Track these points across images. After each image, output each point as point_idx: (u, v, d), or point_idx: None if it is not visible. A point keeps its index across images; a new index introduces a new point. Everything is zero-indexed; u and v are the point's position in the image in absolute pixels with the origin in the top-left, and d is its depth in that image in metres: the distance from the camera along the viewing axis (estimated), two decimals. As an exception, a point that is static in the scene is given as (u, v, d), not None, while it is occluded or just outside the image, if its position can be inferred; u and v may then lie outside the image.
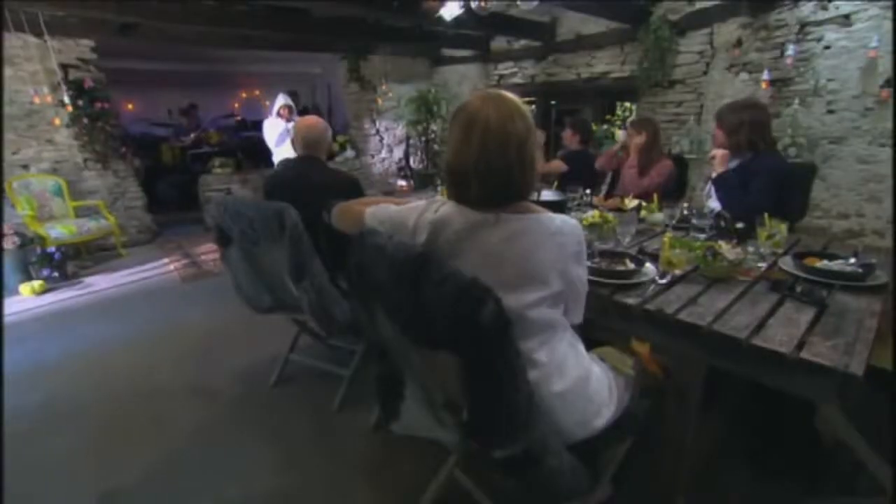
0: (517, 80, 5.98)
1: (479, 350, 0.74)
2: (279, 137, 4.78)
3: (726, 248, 1.41)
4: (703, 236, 1.89)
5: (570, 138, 3.31)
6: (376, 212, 1.16)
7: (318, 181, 2.00)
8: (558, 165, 3.27)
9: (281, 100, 4.75)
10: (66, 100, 4.23)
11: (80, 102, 4.36)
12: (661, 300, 1.29)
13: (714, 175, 2.04)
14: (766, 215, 1.60)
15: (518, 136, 0.96)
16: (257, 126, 8.39)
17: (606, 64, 4.98)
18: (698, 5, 4.07)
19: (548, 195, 2.34)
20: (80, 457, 1.82)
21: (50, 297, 3.54)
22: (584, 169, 3.22)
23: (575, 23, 5.10)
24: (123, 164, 4.87)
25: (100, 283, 3.85)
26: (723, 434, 1.72)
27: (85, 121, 4.41)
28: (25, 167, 4.34)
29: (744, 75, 3.83)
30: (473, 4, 2.78)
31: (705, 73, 4.20)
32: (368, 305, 1.05)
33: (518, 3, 2.77)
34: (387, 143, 6.83)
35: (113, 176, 4.80)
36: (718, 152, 2.02)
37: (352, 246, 1.01)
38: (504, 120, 0.95)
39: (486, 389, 0.77)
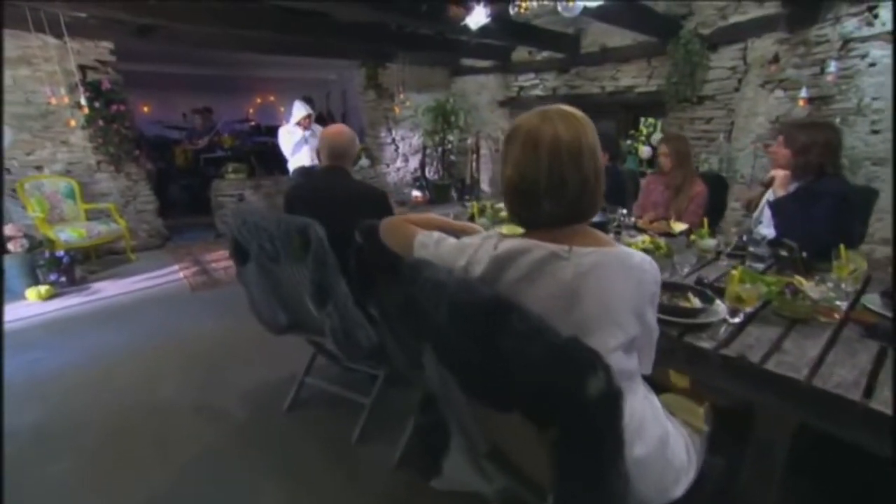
0: (538, 92, 5.87)
1: (578, 425, 0.59)
2: (296, 146, 4.68)
3: (808, 286, 1.25)
4: (761, 266, 1.73)
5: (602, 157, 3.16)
6: (426, 242, 1.04)
7: (345, 195, 1.87)
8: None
9: (302, 109, 4.66)
10: (83, 101, 4.16)
11: (97, 104, 4.29)
12: (738, 344, 1.13)
13: (773, 198, 1.88)
14: (842, 246, 1.44)
15: (590, 146, 0.87)
16: (271, 131, 8.40)
17: (632, 78, 4.85)
18: (732, 20, 3.94)
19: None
20: (76, 484, 1.67)
21: (56, 303, 3.43)
22: (613, 186, 3.07)
23: (600, 35, 4.99)
24: (136, 166, 4.79)
25: (107, 290, 3.74)
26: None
27: (100, 122, 4.34)
28: (39, 168, 4.27)
29: (779, 92, 3.68)
30: (512, 10, 2.64)
31: (737, 89, 4.05)
32: (414, 346, 0.90)
33: (559, 9, 2.64)
34: (402, 153, 6.73)
35: (125, 179, 4.72)
36: (780, 173, 1.86)
37: (401, 274, 0.87)
38: (575, 131, 0.86)
39: (581, 471, 0.62)
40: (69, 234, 3.92)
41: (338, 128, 1.97)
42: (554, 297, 0.82)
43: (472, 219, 2.56)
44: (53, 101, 4.03)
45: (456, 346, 0.74)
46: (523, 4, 2.60)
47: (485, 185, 6.67)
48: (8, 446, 1.83)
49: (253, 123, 8.16)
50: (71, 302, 3.47)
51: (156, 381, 2.37)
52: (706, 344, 1.13)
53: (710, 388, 1.15)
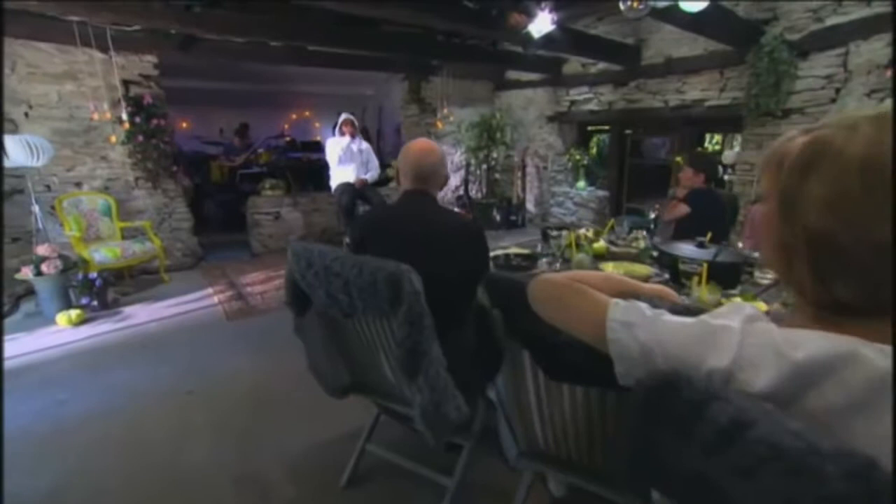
0: (592, 106, 5.55)
1: None
2: (343, 153, 4.51)
3: None
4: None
5: (690, 177, 2.79)
6: (631, 318, 0.65)
7: (436, 230, 1.51)
8: (682, 209, 2.75)
9: (343, 115, 4.51)
10: (124, 116, 4.08)
11: (138, 119, 4.21)
12: None
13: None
14: None
15: None
16: (307, 147, 8.36)
17: (701, 91, 4.47)
18: (829, 22, 3.54)
19: (695, 251, 1.83)
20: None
21: (86, 330, 3.26)
22: (711, 214, 2.69)
23: (664, 45, 4.64)
24: (173, 183, 4.68)
25: (139, 315, 3.55)
26: None
27: (140, 138, 4.25)
28: (78, 185, 4.19)
29: (890, 101, 3.23)
30: (623, 5, 2.34)
31: (834, 100, 3.62)
32: None
33: (622, 8, 2.33)
34: (443, 170, 6.48)
35: (162, 195, 4.61)
36: None
37: (643, 402, 0.54)
38: None
39: None
40: (104, 254, 3.78)
41: (423, 143, 1.63)
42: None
43: (563, 253, 2.23)
44: (96, 116, 3.96)
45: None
46: (634, 4, 2.29)
47: (530, 206, 6.33)
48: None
49: (288, 139, 8.11)
50: (101, 329, 3.28)
51: (187, 436, 2.09)
52: None
53: None
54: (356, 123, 4.63)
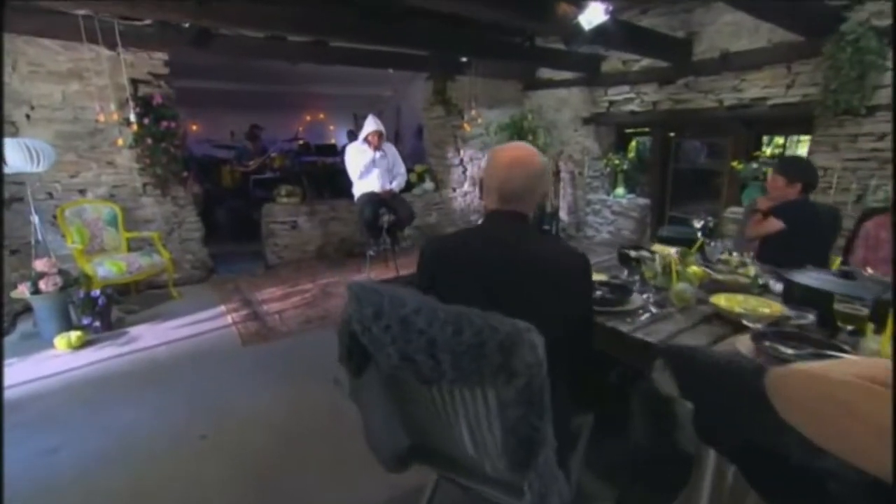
0: (633, 107, 5.21)
1: None
2: (365, 168, 4.22)
3: None
4: None
5: (782, 187, 2.44)
6: None
7: (530, 264, 1.18)
8: (774, 224, 2.40)
9: (372, 124, 4.20)
10: (132, 117, 3.83)
11: (146, 121, 3.96)
12: None
13: None
14: None
15: None
16: (322, 150, 8.12)
17: (763, 88, 4.11)
18: (925, 8, 3.17)
19: (847, 284, 1.49)
20: None
21: (87, 355, 2.99)
22: (809, 229, 2.34)
23: (720, 38, 4.30)
24: (184, 190, 4.43)
25: (145, 337, 3.28)
26: None
27: (149, 141, 4.01)
28: (82, 192, 3.95)
29: None
30: None
31: (928, 97, 3.25)
32: None
33: None
34: (470, 175, 6.18)
35: (171, 203, 4.36)
36: None
37: None
38: None
39: None
40: (108, 269, 3.52)
41: (517, 149, 1.28)
42: None
43: (642, 279, 1.90)
44: (102, 117, 3.71)
45: None
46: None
47: (563, 214, 6.00)
48: None
49: (302, 142, 7.87)
50: (103, 354, 3.01)
51: (201, 493, 1.79)
52: None
53: None
54: (384, 134, 4.32)
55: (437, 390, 1.06)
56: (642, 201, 5.46)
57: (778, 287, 1.82)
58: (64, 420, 2.28)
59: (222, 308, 3.86)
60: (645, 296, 1.81)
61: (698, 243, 2.20)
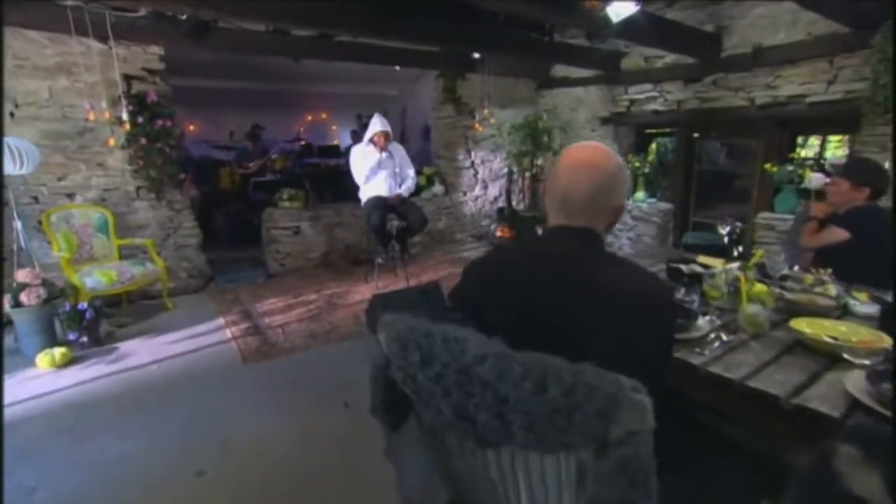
0: (656, 106, 5.01)
1: None
2: (371, 171, 4.01)
3: None
4: None
5: (846, 191, 2.22)
6: None
7: (604, 296, 0.96)
8: (838, 234, 2.19)
9: (378, 124, 4.00)
10: (125, 116, 3.63)
11: (140, 120, 3.76)
12: None
13: None
14: None
15: None
16: (324, 152, 7.93)
17: (801, 84, 3.91)
18: None
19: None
20: None
21: (71, 374, 2.77)
22: (876, 238, 2.12)
23: (753, 32, 4.10)
24: (180, 193, 4.23)
25: (137, 354, 3.06)
26: None
27: (142, 141, 3.81)
28: (70, 196, 3.75)
29: None
30: None
31: None
32: None
33: None
34: (482, 178, 5.98)
35: (166, 208, 4.15)
36: None
37: None
38: None
39: None
40: (97, 279, 3.31)
41: (589, 150, 1.04)
42: None
43: (703, 298, 1.68)
44: (92, 116, 3.52)
45: None
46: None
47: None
48: None
49: (303, 143, 7.68)
50: (90, 373, 2.79)
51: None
52: None
53: None
54: (391, 135, 4.12)
55: (496, 452, 0.85)
56: (664, 206, 5.25)
57: (864, 309, 1.61)
58: (43, 453, 2.07)
59: (221, 321, 3.64)
60: (708, 318, 1.60)
61: (757, 256, 1.98)
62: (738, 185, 5.03)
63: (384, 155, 4.02)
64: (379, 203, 3.97)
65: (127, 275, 3.50)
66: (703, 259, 2.10)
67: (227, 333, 3.41)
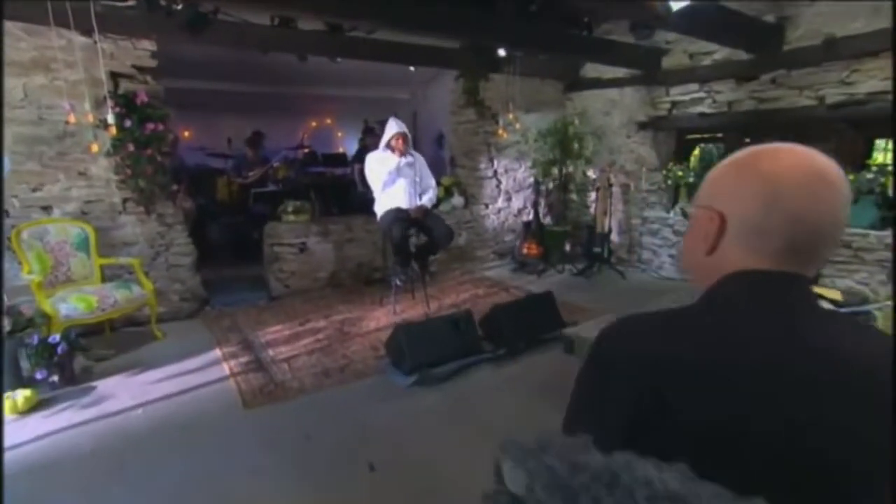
0: (703, 108, 4.67)
1: None
2: (389, 178, 3.67)
3: None
4: None
5: None
6: None
7: (864, 381, 0.58)
8: None
9: (395, 126, 3.67)
10: (111, 119, 3.28)
11: (128, 123, 3.43)
12: None
13: None
14: None
15: None
16: (330, 160, 7.61)
17: (883, 80, 3.55)
18: None
19: None
20: None
21: (36, 424, 2.40)
22: None
23: (823, 21, 3.76)
24: (172, 206, 3.88)
25: (118, 396, 2.69)
26: None
27: (130, 147, 3.47)
28: (47, 209, 3.40)
29: None
30: None
31: None
32: None
33: None
34: (505, 189, 5.62)
35: (157, 223, 3.80)
36: None
37: None
38: None
39: None
40: (73, 306, 2.94)
41: (816, 158, 0.64)
42: None
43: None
44: (73, 118, 3.16)
45: None
46: None
47: (614, 235, 5.40)
48: None
49: (307, 150, 7.36)
50: (58, 422, 2.41)
51: None
52: None
53: None
54: (409, 137, 3.80)
55: None
56: (712, 219, 4.86)
57: None
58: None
59: (217, 352, 3.26)
60: None
61: None
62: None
63: (403, 161, 3.67)
64: (399, 215, 3.61)
65: (109, 300, 3.12)
66: (819, 290, 1.72)
67: (225, 369, 3.02)
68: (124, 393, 2.73)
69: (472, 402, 2.69)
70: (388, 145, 3.73)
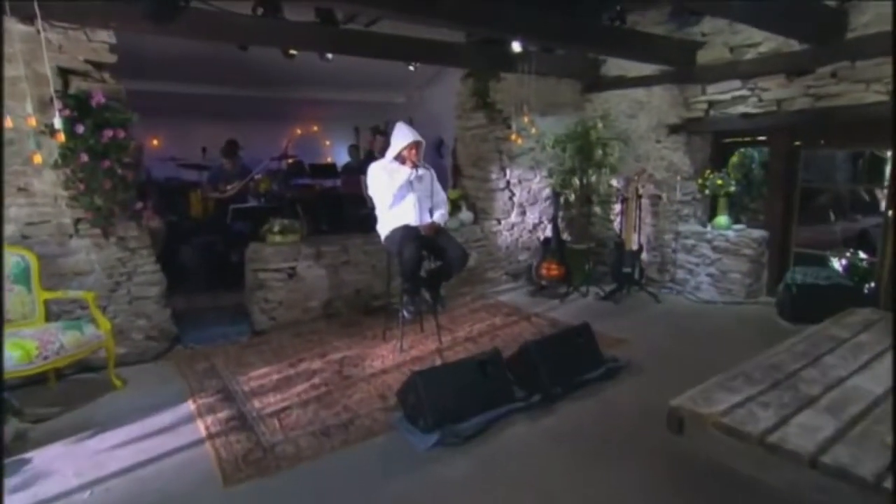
0: (746, 108, 4.36)
1: None
2: (399, 192, 3.27)
3: None
4: None
5: None
6: None
7: None
8: None
9: (408, 134, 3.33)
10: (58, 123, 2.84)
11: (81, 129, 3.01)
12: None
13: None
14: None
15: None
16: (318, 171, 7.19)
17: (964, 74, 3.26)
18: None
19: None
20: None
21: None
22: None
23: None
24: (137, 227, 3.44)
25: (59, 473, 2.22)
26: None
27: (84, 158, 3.04)
28: (-22, 233, 2.94)
29: None
30: None
31: None
32: None
33: None
34: (518, 202, 5.24)
35: (118, 247, 3.37)
36: None
37: None
38: None
39: None
40: (6, 355, 2.47)
41: None
42: None
43: None
44: (10, 123, 2.74)
45: None
46: None
47: (643, 252, 5.03)
48: None
49: (291, 160, 6.96)
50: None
51: None
52: None
53: None
54: (422, 145, 3.43)
55: None
56: (757, 233, 4.53)
57: None
58: None
59: (191, 405, 2.81)
60: None
61: None
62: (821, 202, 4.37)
63: (415, 173, 3.28)
64: (410, 234, 3.20)
65: (53, 346, 2.66)
66: None
67: (200, 428, 2.57)
68: (68, 467, 2.26)
69: (509, 467, 2.28)
70: (398, 156, 3.35)
